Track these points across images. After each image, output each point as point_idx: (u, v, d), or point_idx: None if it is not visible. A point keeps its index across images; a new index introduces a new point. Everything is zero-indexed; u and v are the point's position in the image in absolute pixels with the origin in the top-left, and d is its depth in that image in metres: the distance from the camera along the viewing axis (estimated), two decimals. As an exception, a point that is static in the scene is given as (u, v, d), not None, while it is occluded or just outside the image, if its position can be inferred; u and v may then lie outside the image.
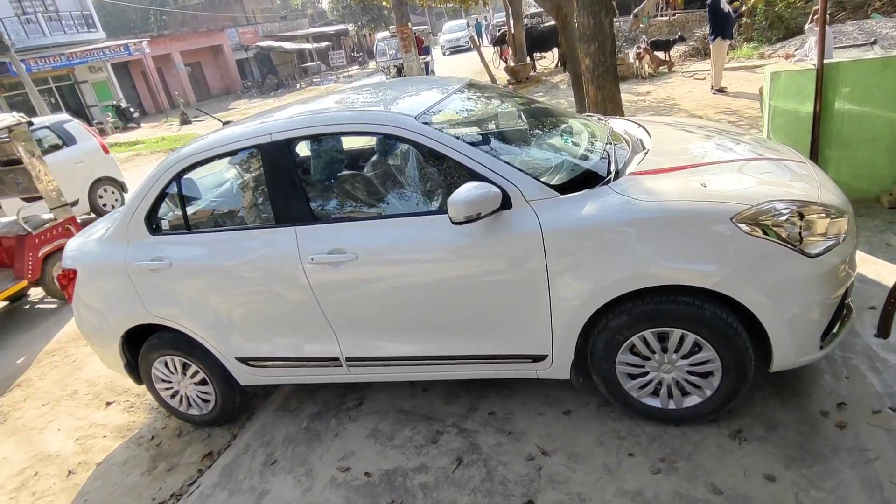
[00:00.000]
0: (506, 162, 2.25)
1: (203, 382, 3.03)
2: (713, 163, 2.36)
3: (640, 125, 2.98)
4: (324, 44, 37.04)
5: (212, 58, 33.85)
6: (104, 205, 8.50)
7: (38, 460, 3.26)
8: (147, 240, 2.82)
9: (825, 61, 3.58)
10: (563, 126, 2.85)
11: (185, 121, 21.88)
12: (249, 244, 2.61)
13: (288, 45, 32.83)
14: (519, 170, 2.23)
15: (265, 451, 2.83)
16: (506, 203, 2.18)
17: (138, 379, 3.20)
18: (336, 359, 2.67)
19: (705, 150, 2.53)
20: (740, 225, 1.97)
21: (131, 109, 24.17)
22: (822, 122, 3.68)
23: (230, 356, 2.84)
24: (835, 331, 2.15)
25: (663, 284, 2.04)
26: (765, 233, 1.97)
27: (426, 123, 2.34)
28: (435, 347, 2.49)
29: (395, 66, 15.07)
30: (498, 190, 2.13)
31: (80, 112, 24.22)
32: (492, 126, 2.67)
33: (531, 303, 2.24)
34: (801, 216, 2.04)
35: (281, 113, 2.75)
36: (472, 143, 2.34)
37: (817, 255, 2.00)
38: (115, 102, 24.42)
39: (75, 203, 7.84)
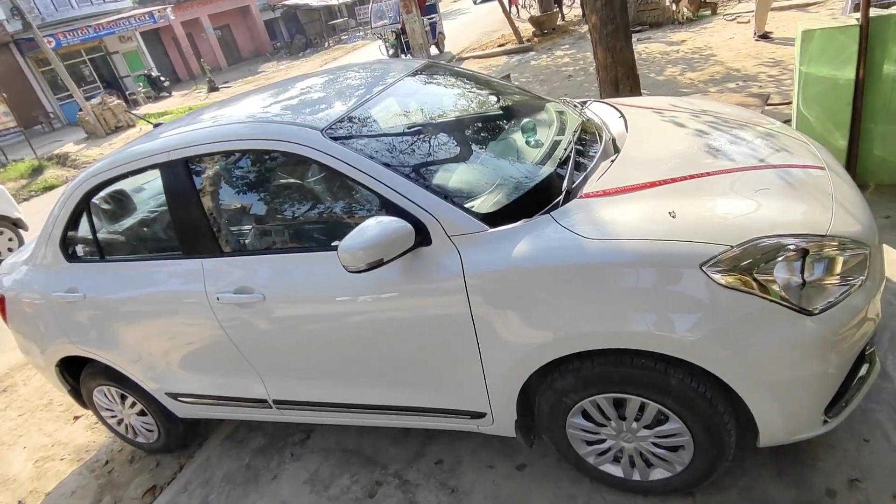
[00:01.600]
0: (426, 186, 1.81)
1: (143, 413, 2.83)
2: (696, 175, 1.84)
3: (622, 114, 2.44)
4: (351, -2, 35.86)
5: (241, 19, 33.40)
6: None
7: (-4, 484, 3.19)
8: (63, 267, 2.57)
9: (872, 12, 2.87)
10: (525, 122, 2.34)
11: (212, 88, 21.79)
12: (159, 276, 2.31)
13: (314, 2, 31.94)
14: (442, 195, 1.79)
15: (202, 493, 2.61)
16: (426, 238, 1.77)
17: (84, 404, 3.04)
18: (264, 400, 2.38)
19: (691, 154, 1.99)
20: (714, 275, 1.49)
21: (162, 78, 24.24)
22: (867, 89, 2.99)
23: (160, 391, 2.60)
24: (847, 397, 1.66)
25: (612, 348, 1.61)
26: (750, 283, 1.49)
27: (335, 138, 1.92)
28: (364, 396, 2.16)
29: (392, 31, 13.48)
30: (409, 227, 1.71)
31: (114, 83, 24.54)
32: (428, 130, 2.21)
33: (459, 357, 1.85)
34: (804, 255, 1.54)
35: (191, 122, 2.38)
36: (393, 161, 1.91)
37: (823, 311, 1.50)
38: (146, 72, 24.54)
39: None
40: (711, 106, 2.58)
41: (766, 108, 4.68)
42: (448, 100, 2.47)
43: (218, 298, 2.12)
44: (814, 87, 3.12)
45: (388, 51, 13.60)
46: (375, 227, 1.67)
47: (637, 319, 1.54)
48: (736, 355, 1.50)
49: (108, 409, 2.94)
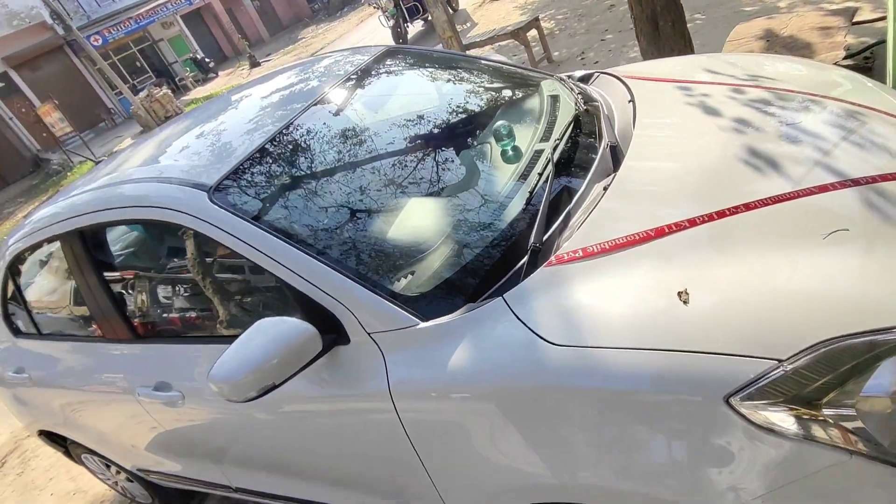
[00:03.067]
0: (337, 264, 1.32)
1: (130, 480, 2.63)
2: (728, 212, 1.21)
3: (633, 97, 1.77)
4: (383, -56, 34.09)
5: (276, -15, 32.81)
6: None
7: (21, 539, 3.19)
8: (11, 342, 2.35)
9: None
10: (497, 127, 1.72)
11: (254, 63, 21.66)
12: (89, 360, 2.01)
13: (346, -44, 30.61)
14: (360, 275, 1.30)
15: (191, 571, 2.40)
16: (342, 334, 1.30)
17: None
18: (227, 486, 2.07)
19: (722, 168, 1.34)
20: (751, 411, 0.92)
21: (206, 60, 24.43)
22: None
23: (133, 467, 2.37)
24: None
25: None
26: (814, 421, 0.91)
27: (224, 204, 1.43)
28: (323, 495, 1.78)
29: None
30: (311, 330, 1.23)
31: (164, 71, 25.04)
32: (355, 170, 1.63)
33: (408, 474, 1.39)
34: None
35: (94, 176, 1.99)
36: (299, 227, 1.42)
37: None
38: (191, 55, 24.80)
39: None
40: (763, 66, 1.84)
41: (853, 26, 3.66)
42: (390, 113, 1.87)
43: (139, 394, 1.78)
44: (922, 6, 2.24)
45: (387, 21, 12.08)
46: (259, 338, 1.22)
47: (632, 477, 1.01)
48: (792, 532, 0.94)
49: (101, 474, 2.79)
